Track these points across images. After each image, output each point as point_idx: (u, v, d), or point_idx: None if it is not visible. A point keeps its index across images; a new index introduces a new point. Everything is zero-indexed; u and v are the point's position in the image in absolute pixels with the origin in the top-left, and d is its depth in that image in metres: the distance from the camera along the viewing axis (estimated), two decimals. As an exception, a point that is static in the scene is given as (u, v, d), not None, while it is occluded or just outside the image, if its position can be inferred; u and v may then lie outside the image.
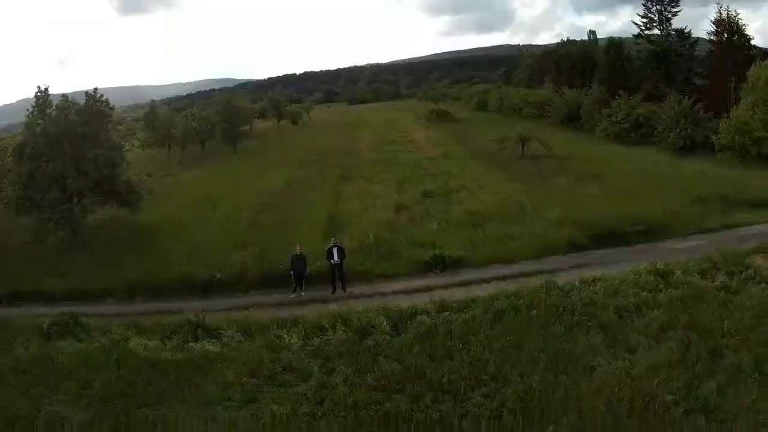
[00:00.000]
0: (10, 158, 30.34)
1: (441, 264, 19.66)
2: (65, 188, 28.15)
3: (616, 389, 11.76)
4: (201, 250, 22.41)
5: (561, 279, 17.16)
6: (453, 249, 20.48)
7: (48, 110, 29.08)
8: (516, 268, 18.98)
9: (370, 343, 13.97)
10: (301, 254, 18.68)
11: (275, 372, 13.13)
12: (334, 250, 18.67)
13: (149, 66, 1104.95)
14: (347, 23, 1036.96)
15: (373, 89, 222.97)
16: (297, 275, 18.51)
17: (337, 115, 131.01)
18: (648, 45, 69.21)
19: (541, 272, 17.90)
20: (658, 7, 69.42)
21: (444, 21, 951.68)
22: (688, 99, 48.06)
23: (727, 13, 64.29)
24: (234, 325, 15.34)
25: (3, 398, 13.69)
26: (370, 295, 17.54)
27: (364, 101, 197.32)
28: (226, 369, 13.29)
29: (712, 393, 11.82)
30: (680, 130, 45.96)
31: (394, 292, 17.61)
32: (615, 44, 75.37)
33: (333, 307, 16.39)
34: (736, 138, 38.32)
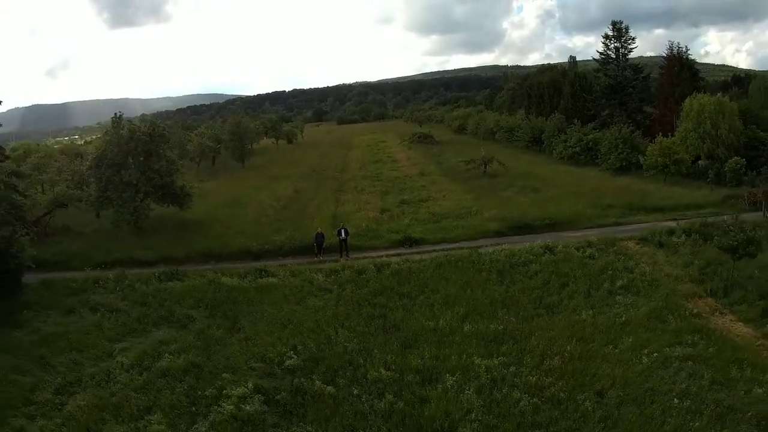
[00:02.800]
0: (89, 168, 40.45)
1: (409, 241, 30.52)
2: (135, 190, 38.35)
3: (496, 296, 22.39)
4: (247, 233, 32.93)
5: (483, 250, 27.84)
6: (417, 233, 31.39)
7: (121, 131, 39.24)
8: (457, 245, 29.71)
9: (364, 276, 24.71)
10: (321, 232, 29.46)
11: (312, 290, 23.70)
12: (342, 231, 29.42)
13: (138, 79, 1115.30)
14: (337, 41, 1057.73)
15: (361, 109, 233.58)
16: (318, 245, 29.12)
17: (328, 134, 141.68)
18: (605, 78, 79.89)
19: (471, 247, 28.55)
20: (616, 44, 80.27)
21: (433, 41, 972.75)
22: (636, 127, 59.14)
23: (678, 49, 76.36)
24: (283, 271, 25.80)
25: (145, 309, 23.91)
26: (364, 258, 28.11)
27: (352, 121, 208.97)
28: (284, 289, 23.81)
29: (553, 301, 22.47)
30: (619, 153, 56.69)
31: (379, 256, 28.18)
32: (579, 76, 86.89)
33: (341, 262, 26.96)
34: (659, 159, 49.01)
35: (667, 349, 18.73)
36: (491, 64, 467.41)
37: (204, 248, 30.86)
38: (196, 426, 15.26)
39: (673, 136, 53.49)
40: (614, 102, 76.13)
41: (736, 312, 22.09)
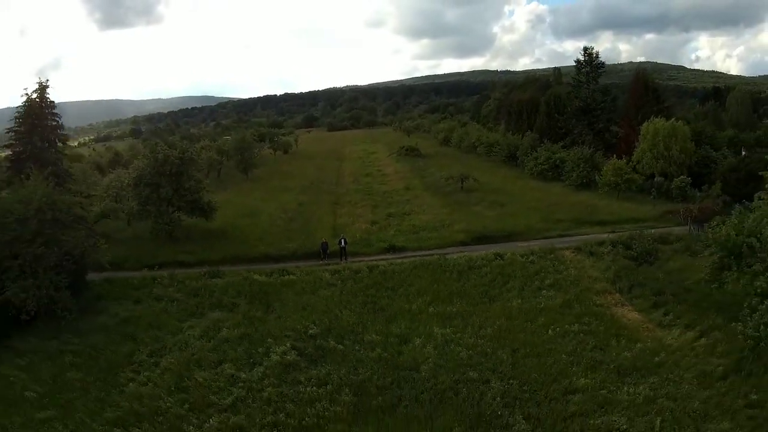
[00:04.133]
0: (128, 186, 49.46)
1: (393, 249, 40.01)
2: (169, 205, 47.32)
3: (454, 289, 31.91)
4: (265, 241, 42.28)
5: (449, 256, 37.35)
6: (400, 242, 40.92)
7: (158, 156, 48.14)
8: (430, 252, 39.28)
9: (360, 275, 34.31)
10: (325, 241, 38.99)
11: (322, 284, 33.15)
12: (342, 240, 38.90)
13: (129, 80, 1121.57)
14: (327, 44, 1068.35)
15: (351, 116, 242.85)
16: (323, 251, 38.52)
17: (320, 143, 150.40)
18: (576, 100, 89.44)
19: (441, 254, 38.06)
20: (586, 69, 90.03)
21: (423, 44, 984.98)
22: (604, 145, 68.86)
23: (644, 73, 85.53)
24: (299, 271, 35.19)
25: (199, 299, 33.09)
26: (359, 262, 37.57)
27: (343, 128, 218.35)
28: (301, 284, 33.25)
29: (495, 294, 31.98)
30: (580, 171, 66.16)
31: (370, 260, 37.60)
32: (555, 96, 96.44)
33: (343, 264, 36.41)
34: (612, 178, 58.43)
35: (568, 326, 28.00)
36: (481, 68, 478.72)
37: (233, 253, 40.19)
38: (255, 369, 24.47)
39: (631, 155, 63.36)
40: (584, 122, 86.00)
41: (634, 304, 31.16)
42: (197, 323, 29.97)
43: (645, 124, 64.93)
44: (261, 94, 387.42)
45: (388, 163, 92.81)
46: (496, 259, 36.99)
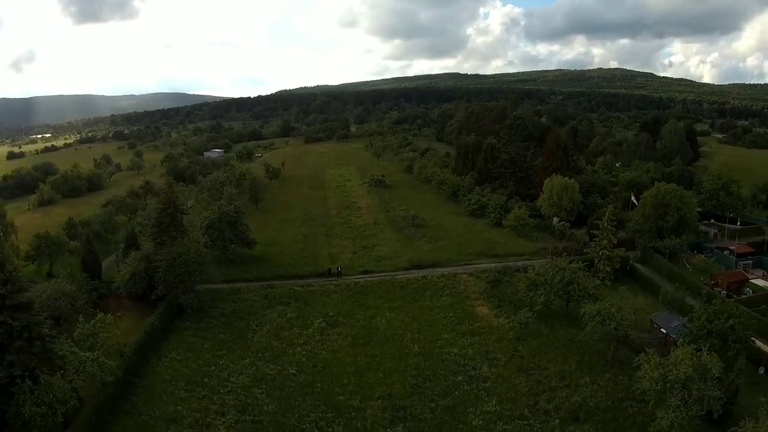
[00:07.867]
0: (200, 230, 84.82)
1: (367, 272, 77.04)
2: (229, 241, 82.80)
3: (397, 295, 69.14)
4: (294, 265, 78.79)
5: (397, 277, 74.57)
6: (370, 267, 78.23)
7: (222, 210, 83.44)
8: (386, 274, 76.40)
9: (350, 287, 71.74)
10: (330, 268, 75.84)
11: (330, 292, 70.26)
12: (339, 267, 76.02)
13: (102, 76, 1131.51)
14: (299, 43, 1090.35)
15: (326, 128, 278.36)
16: (329, 273, 75.41)
17: (301, 162, 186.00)
18: (504, 154, 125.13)
19: (392, 275, 75.17)
20: (514, 131, 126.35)
21: (395, 45, 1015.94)
22: (525, 188, 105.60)
23: (556, 135, 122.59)
24: (317, 285, 72.04)
25: (268, 300, 69.46)
26: (348, 280, 74.44)
27: (318, 139, 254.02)
28: (320, 292, 70.32)
29: (417, 297, 69.29)
30: (496, 214, 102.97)
31: (354, 279, 74.55)
32: (491, 147, 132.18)
33: (340, 281, 73.49)
34: (512, 222, 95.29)
35: (447, 314, 65.18)
36: (452, 71, 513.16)
37: (276, 273, 76.54)
38: (308, 330, 60.90)
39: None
40: (510, 170, 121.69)
41: (488, 306, 68.32)
42: (272, 311, 66.12)
43: (546, 180, 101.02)
44: (233, 93, 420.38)
45: (361, 194, 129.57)
46: (422, 279, 74.13)
